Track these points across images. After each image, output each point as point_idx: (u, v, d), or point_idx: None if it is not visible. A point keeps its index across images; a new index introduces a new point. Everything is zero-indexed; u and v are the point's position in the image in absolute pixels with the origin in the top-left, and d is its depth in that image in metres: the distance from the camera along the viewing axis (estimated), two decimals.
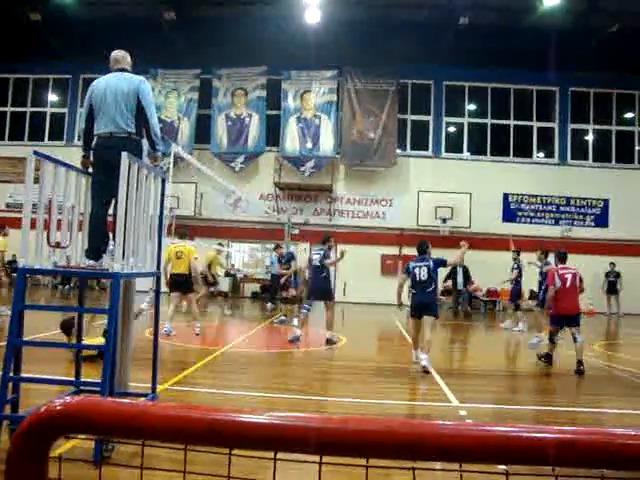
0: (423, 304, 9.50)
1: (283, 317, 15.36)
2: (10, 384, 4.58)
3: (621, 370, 10.05)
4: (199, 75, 24.37)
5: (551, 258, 12.44)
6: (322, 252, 11.87)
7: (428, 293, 9.53)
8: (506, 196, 23.98)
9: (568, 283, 10.05)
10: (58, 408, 1.21)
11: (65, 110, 25.55)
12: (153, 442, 1.23)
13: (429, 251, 9.98)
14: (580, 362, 9.52)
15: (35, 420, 1.20)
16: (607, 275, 22.20)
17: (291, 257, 16.15)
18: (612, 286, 22.08)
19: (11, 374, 4.52)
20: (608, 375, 9.77)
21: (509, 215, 23.96)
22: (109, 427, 1.25)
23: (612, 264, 22.15)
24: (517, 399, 7.81)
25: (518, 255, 15.98)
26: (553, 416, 6.76)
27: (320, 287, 11.95)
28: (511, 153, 24.40)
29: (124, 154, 4.57)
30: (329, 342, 11.86)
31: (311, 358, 10.59)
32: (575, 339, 9.82)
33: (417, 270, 9.63)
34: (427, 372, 8.91)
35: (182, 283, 12.46)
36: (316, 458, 1.23)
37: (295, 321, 13.25)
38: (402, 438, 1.21)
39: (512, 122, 24.46)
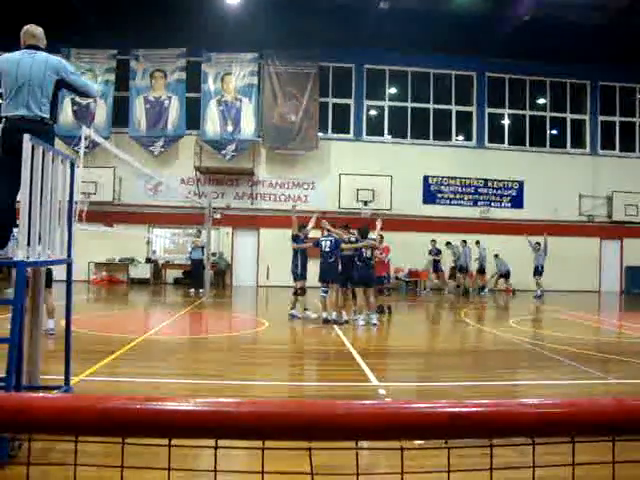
0: None
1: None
2: None
3: (535, 344, 10.48)
4: (115, 56, 23.57)
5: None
6: (333, 238, 12.98)
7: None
8: (426, 178, 24.45)
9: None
10: None
11: None
12: (64, 437, 1.18)
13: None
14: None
15: None
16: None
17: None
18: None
19: None
20: (520, 349, 10.18)
21: (429, 197, 24.47)
22: None
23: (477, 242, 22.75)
24: (436, 376, 8.02)
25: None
26: (470, 390, 6.99)
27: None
28: (431, 136, 24.86)
29: (26, 136, 4.33)
30: (326, 322, 12.54)
31: (233, 343, 10.54)
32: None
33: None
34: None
35: None
36: (213, 442, 1.22)
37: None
38: (296, 419, 1.21)
39: (432, 106, 24.89)
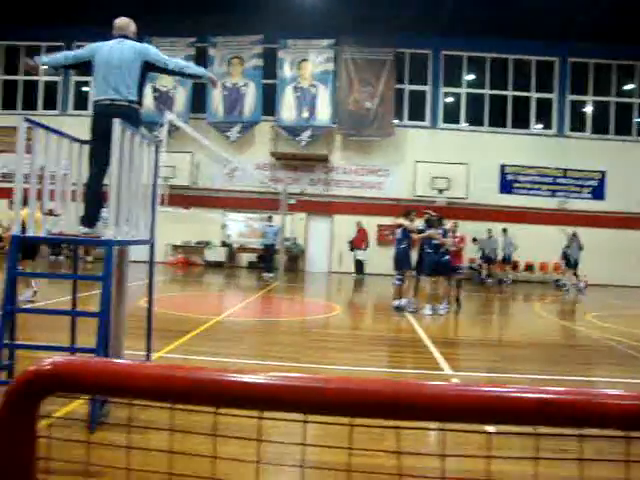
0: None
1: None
2: (6, 351, 4.62)
3: (613, 340, 10.14)
4: (194, 43, 24.05)
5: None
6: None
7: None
8: (503, 167, 23.88)
9: None
10: (47, 367, 1.23)
11: (59, 78, 25.21)
12: (146, 407, 1.24)
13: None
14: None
15: (24, 378, 1.21)
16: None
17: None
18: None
19: (6, 341, 4.55)
20: (601, 345, 9.86)
21: (506, 186, 23.90)
22: (96, 386, 1.27)
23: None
24: (510, 368, 7.86)
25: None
26: (545, 384, 6.81)
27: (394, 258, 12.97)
28: (509, 124, 24.24)
29: (116, 120, 4.53)
30: (398, 309, 12.54)
31: (306, 327, 10.66)
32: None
33: None
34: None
35: None
36: (302, 417, 1.24)
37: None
38: (384, 397, 1.22)
39: (510, 93, 24.25)
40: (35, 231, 4.98)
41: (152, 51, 5.34)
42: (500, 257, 22.09)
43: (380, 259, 21.75)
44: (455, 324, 11.94)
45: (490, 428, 1.26)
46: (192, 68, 5.49)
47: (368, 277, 21.61)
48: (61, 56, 5.38)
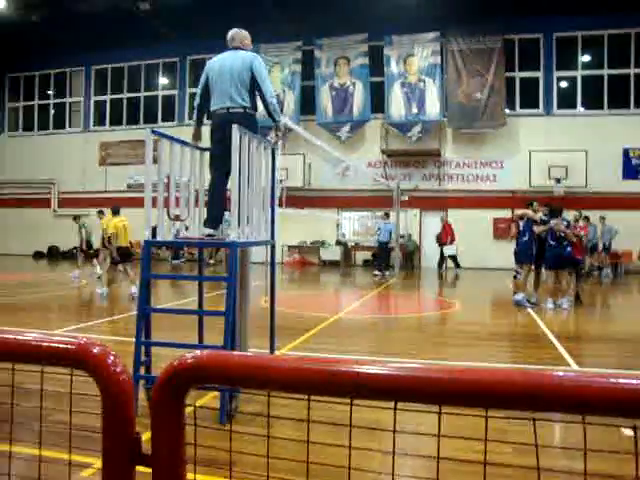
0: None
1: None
2: (143, 348, 4.93)
3: None
4: (300, 47, 24.51)
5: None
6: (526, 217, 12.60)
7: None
8: (626, 151, 22.52)
9: None
10: (190, 361, 1.31)
11: (175, 92, 26.57)
12: (273, 401, 1.28)
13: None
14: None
15: (171, 372, 1.31)
16: None
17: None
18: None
19: (143, 339, 4.87)
20: None
21: (630, 172, 22.48)
22: (236, 378, 1.34)
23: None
24: None
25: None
26: None
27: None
28: (631, 104, 22.78)
29: (234, 127, 4.73)
30: (518, 304, 12.16)
31: (424, 323, 10.58)
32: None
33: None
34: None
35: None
36: (436, 408, 1.24)
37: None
38: (521, 388, 1.20)
39: (632, 70, 22.73)
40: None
41: (257, 62, 5.50)
42: (600, 246, 20.86)
43: (496, 253, 21.27)
44: (578, 318, 11.43)
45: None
46: (275, 107, 5.54)
47: (486, 271, 21.14)
48: (197, 104, 5.76)
